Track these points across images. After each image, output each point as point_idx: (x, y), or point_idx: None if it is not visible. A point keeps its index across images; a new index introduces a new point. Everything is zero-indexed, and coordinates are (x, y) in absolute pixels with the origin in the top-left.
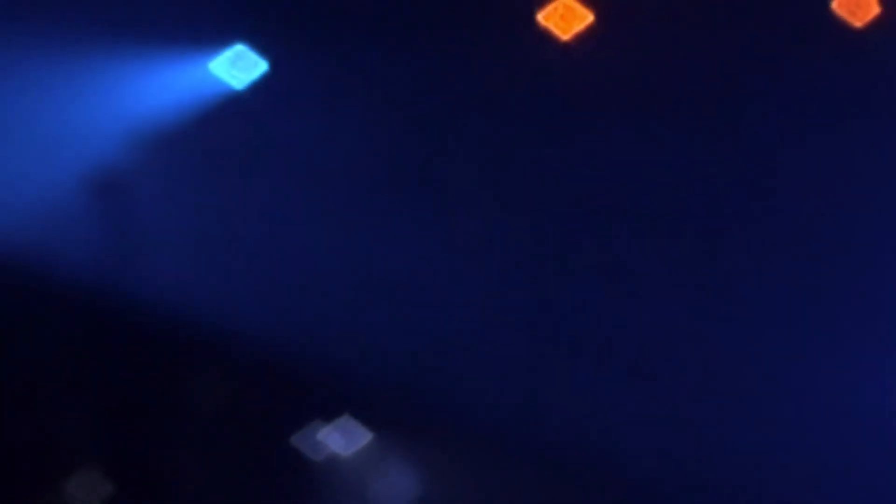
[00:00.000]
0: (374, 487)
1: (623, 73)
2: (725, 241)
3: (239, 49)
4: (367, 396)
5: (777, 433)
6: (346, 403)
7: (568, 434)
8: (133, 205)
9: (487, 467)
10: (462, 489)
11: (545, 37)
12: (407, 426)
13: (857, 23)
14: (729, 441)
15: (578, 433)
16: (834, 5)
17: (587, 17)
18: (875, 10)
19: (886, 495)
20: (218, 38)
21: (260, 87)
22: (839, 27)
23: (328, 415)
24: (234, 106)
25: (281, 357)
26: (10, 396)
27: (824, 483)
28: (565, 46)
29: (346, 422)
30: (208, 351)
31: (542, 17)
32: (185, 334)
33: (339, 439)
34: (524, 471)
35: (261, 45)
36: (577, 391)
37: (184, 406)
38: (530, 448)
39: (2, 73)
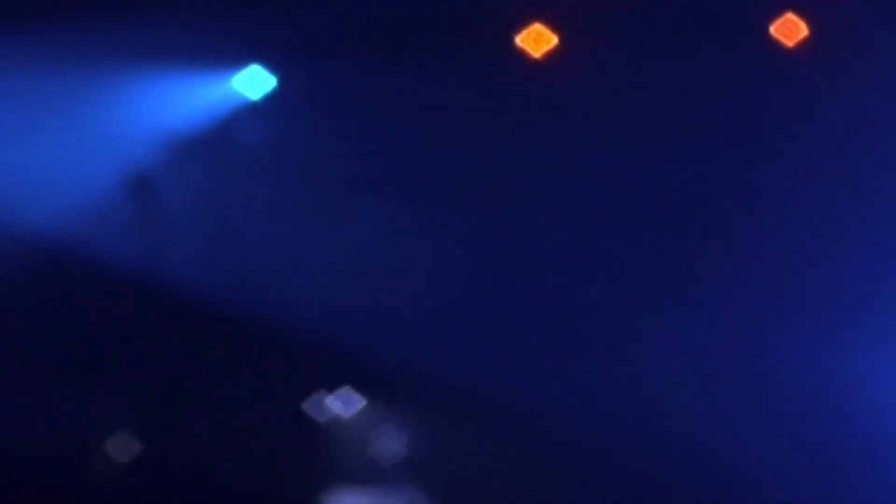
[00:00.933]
0: (369, 444)
1: (585, 86)
2: (695, 239)
3: (253, 68)
4: (362, 370)
5: (779, 425)
6: (345, 375)
7: (547, 400)
8: (162, 201)
9: (468, 427)
10: (445, 447)
11: (521, 56)
12: (397, 394)
13: (790, 43)
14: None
15: (562, 405)
16: (771, 29)
17: (553, 40)
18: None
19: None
20: (237, 58)
21: (271, 100)
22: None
23: (332, 385)
24: (251, 115)
25: (294, 336)
26: (48, 368)
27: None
28: (537, 63)
29: (346, 391)
30: (230, 331)
31: (519, 40)
32: (208, 315)
33: (340, 405)
34: (501, 430)
35: (271, 64)
36: (566, 368)
37: (209, 377)
38: (508, 412)
39: (53, 86)
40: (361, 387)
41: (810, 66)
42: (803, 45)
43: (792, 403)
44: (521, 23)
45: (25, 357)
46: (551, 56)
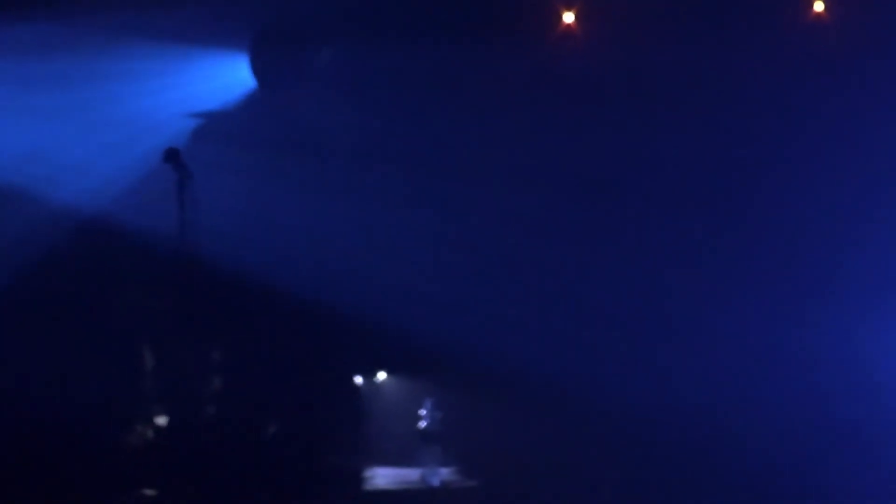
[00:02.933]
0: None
1: (618, 64)
2: (711, 217)
3: (277, 49)
4: (397, 345)
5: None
6: (380, 349)
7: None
8: (194, 176)
9: (501, 401)
10: (476, 419)
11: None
12: (430, 369)
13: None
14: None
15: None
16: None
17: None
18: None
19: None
20: (262, 41)
21: (294, 81)
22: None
23: (366, 357)
24: (275, 95)
25: (327, 308)
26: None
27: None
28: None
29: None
30: (262, 302)
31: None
32: (240, 285)
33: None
34: (533, 405)
35: (299, 41)
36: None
37: (241, 346)
38: (541, 388)
39: (86, 67)
40: (396, 361)
41: (833, 39)
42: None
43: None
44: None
45: (67, 328)
46: (588, 34)
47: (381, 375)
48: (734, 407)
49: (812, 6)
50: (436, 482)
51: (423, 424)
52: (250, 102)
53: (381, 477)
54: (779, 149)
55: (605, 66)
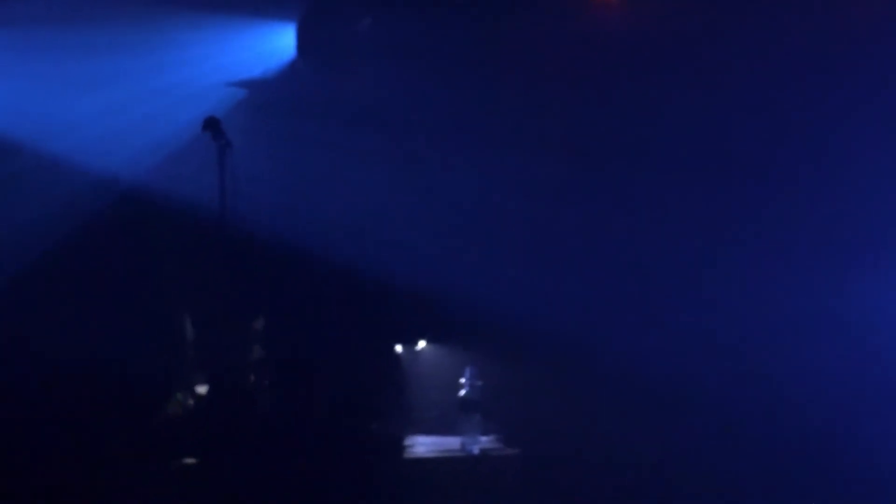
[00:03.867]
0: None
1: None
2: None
3: (319, 18)
4: (440, 309)
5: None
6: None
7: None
8: (235, 142)
9: (544, 367)
10: (516, 383)
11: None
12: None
13: None
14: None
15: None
16: None
17: None
18: None
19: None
20: (304, 10)
21: (335, 50)
22: None
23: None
24: (316, 64)
25: (367, 273)
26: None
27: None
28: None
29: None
30: (302, 269)
31: None
32: (280, 252)
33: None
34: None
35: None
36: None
37: (284, 311)
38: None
39: (129, 39)
40: (436, 330)
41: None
42: None
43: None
44: None
45: (108, 298)
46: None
47: (422, 344)
48: (777, 370)
49: None
50: (476, 450)
51: (463, 393)
52: (291, 71)
53: (422, 445)
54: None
55: (646, 30)
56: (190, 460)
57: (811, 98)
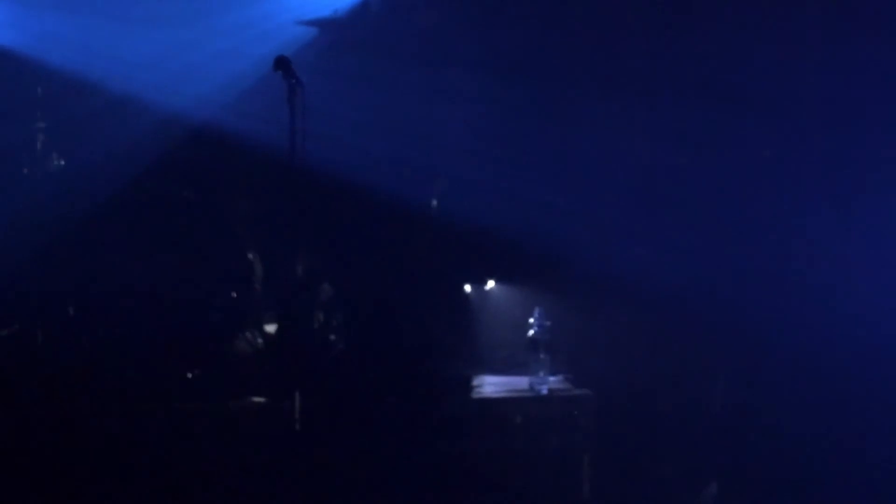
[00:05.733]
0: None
1: None
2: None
3: None
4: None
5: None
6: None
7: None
8: (301, 77)
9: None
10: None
11: None
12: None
13: None
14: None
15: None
16: None
17: None
18: None
19: None
20: None
21: None
22: None
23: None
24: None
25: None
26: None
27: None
28: None
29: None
30: (371, 207)
31: None
32: (348, 190)
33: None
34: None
35: None
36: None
37: (354, 249)
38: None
39: None
40: (505, 270)
41: None
42: None
43: None
44: None
45: (178, 234)
46: None
47: (491, 284)
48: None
49: None
50: (544, 390)
51: (531, 333)
52: (362, 10)
53: (490, 385)
54: None
55: None
56: (259, 399)
57: None
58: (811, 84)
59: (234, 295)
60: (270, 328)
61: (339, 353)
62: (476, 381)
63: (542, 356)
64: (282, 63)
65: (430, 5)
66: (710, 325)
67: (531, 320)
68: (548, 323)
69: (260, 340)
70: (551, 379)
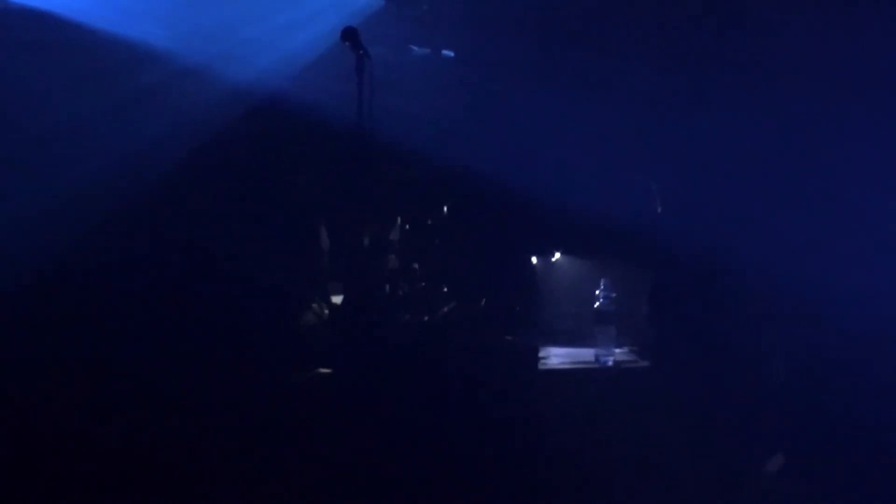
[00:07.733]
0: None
1: None
2: None
3: None
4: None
5: None
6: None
7: None
8: (371, 53)
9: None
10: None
11: None
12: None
13: None
14: None
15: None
16: None
17: None
18: None
19: None
20: None
21: None
22: None
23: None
24: None
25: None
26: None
27: None
28: None
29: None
30: (439, 182)
31: None
32: (414, 160)
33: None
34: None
35: None
36: None
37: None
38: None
39: None
40: (571, 241)
41: None
42: None
43: None
44: None
45: (244, 205)
46: None
47: (557, 255)
48: None
49: None
50: (610, 362)
51: (597, 305)
52: None
53: (556, 356)
54: None
55: None
56: (324, 370)
57: None
58: None
59: (302, 266)
60: (337, 299)
61: (405, 324)
62: (542, 353)
63: (608, 328)
64: (349, 34)
65: None
66: (777, 301)
67: (597, 292)
68: (614, 294)
69: (327, 311)
70: (617, 351)
